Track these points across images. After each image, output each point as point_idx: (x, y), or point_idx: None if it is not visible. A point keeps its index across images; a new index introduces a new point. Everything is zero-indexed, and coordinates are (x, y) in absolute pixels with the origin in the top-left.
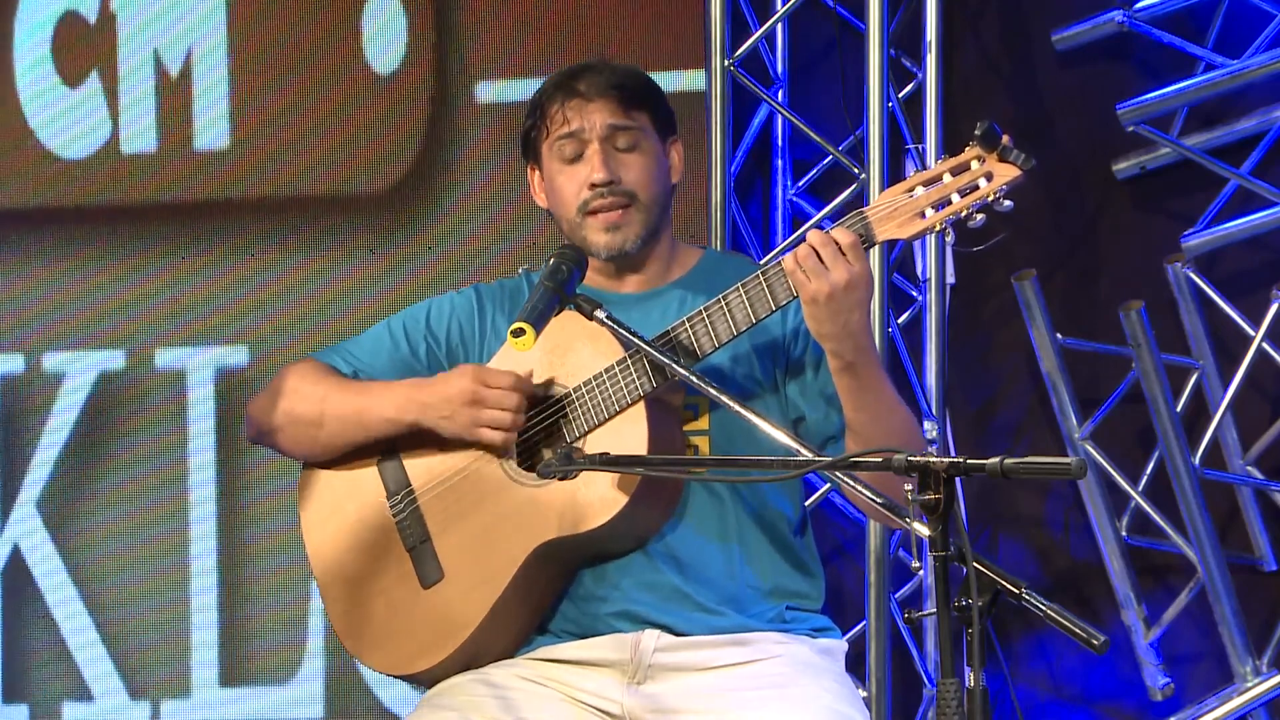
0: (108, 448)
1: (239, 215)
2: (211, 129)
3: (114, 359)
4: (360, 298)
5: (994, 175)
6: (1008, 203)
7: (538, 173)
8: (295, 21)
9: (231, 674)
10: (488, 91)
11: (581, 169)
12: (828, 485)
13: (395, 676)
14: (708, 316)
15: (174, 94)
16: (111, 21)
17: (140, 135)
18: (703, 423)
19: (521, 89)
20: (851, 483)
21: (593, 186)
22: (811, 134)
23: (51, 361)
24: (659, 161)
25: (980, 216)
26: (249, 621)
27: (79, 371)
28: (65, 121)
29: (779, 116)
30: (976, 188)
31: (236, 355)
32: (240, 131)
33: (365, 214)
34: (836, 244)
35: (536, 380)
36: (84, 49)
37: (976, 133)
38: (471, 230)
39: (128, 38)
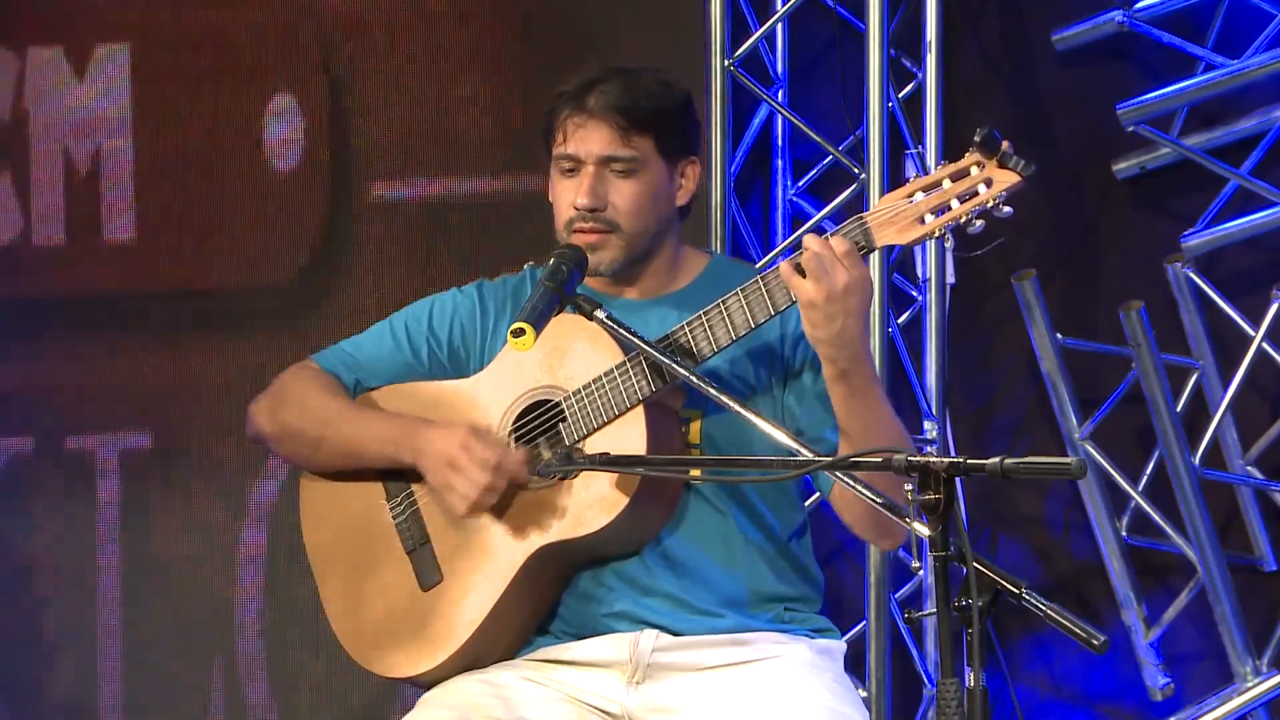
0: (15, 528)
1: (144, 305)
2: (118, 223)
3: (24, 443)
4: (263, 381)
5: (994, 181)
6: (1007, 209)
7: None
8: (197, 121)
9: None
10: (382, 190)
11: (573, 186)
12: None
13: (396, 679)
14: (706, 321)
15: (83, 189)
16: (25, 120)
17: (50, 229)
18: (694, 435)
19: (413, 188)
20: (851, 483)
21: (577, 209)
22: (811, 134)
23: None
24: (656, 187)
25: (980, 222)
26: (154, 699)
27: None
28: None
29: (779, 116)
30: (976, 194)
31: (142, 440)
32: (145, 226)
33: (266, 303)
34: (834, 250)
35: (534, 383)
36: None
37: (976, 138)
38: (374, 312)
39: (39, 136)
